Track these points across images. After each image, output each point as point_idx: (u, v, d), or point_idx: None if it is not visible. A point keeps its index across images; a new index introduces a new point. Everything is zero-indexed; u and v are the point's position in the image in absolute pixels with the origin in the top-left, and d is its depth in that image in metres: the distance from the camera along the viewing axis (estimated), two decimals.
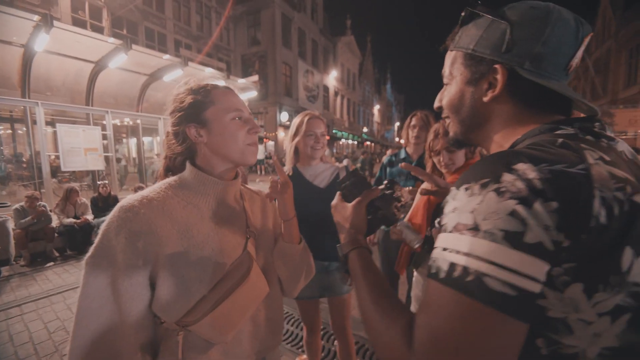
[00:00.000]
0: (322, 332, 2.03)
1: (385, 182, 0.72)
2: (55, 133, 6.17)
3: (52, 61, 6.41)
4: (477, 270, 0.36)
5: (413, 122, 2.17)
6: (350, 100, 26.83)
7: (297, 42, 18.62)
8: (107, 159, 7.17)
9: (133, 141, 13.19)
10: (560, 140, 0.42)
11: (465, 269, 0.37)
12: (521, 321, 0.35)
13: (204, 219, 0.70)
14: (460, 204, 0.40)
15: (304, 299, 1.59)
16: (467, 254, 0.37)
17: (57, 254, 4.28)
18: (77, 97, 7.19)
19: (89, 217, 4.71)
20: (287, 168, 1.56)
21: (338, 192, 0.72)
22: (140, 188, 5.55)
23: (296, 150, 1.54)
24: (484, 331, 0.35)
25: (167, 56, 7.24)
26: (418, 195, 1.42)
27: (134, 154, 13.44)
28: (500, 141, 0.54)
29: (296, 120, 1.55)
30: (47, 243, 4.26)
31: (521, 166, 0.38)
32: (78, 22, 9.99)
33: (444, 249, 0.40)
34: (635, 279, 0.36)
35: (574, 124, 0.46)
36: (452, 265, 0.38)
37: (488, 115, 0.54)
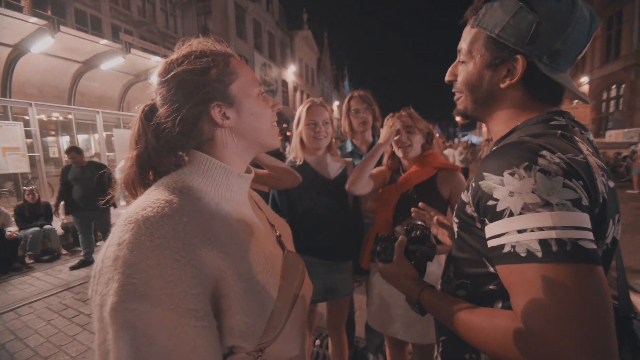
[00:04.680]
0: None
1: (406, 227, 0.80)
2: None
3: None
4: (570, 238, 0.40)
5: (353, 105, 1.81)
6: (310, 96, 26.80)
7: (253, 34, 17.90)
8: (32, 159, 6.16)
9: (65, 139, 11.59)
10: (558, 132, 0.50)
11: (560, 241, 0.40)
12: (602, 266, 0.41)
13: (240, 219, 0.57)
14: (515, 187, 0.44)
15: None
16: (552, 228, 0.40)
17: None
18: None
19: (12, 229, 4.00)
20: (295, 158, 1.48)
21: (377, 261, 0.78)
22: None
23: (302, 141, 1.47)
24: (594, 285, 0.39)
25: (104, 41, 6.42)
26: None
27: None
28: (502, 123, 0.61)
29: (298, 110, 1.48)
30: None
31: (546, 153, 0.44)
32: None
33: (521, 231, 0.42)
34: (606, 240, 0.49)
35: (564, 116, 0.55)
36: (545, 242, 0.41)
37: (500, 99, 0.59)
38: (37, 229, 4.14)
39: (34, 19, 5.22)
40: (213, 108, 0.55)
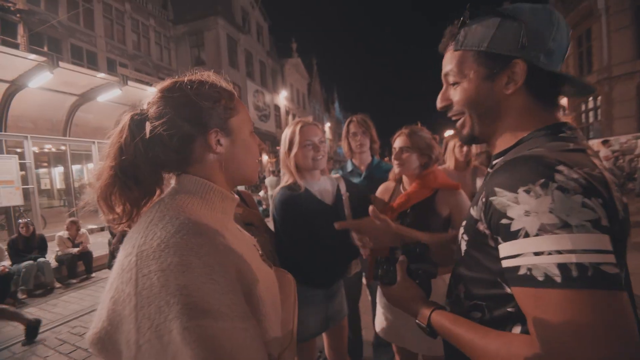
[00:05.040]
0: None
1: (403, 245, 0.77)
2: None
3: None
4: (591, 262, 0.38)
5: (352, 129, 1.97)
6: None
7: (245, 63, 18.56)
8: (26, 192, 6.10)
9: (57, 170, 11.52)
10: (570, 144, 0.49)
11: (581, 266, 0.38)
12: (625, 290, 0.39)
13: (238, 241, 0.59)
14: (531, 206, 0.42)
15: (309, 339, 1.32)
16: (572, 251, 0.38)
17: None
18: None
19: (5, 263, 3.89)
20: (293, 184, 1.35)
21: (381, 285, 0.75)
22: (74, 223, 4.81)
23: (297, 165, 1.34)
24: (618, 313, 0.38)
25: (101, 74, 6.62)
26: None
27: (58, 184, 11.70)
28: (509, 135, 0.59)
29: (287, 131, 1.35)
30: None
31: (563, 168, 0.42)
32: None
33: (537, 253, 0.40)
34: (625, 259, 0.46)
35: (569, 127, 0.54)
36: (564, 267, 0.39)
37: (505, 109, 0.58)
38: (31, 262, 4.03)
39: (33, 56, 5.38)
40: (211, 133, 0.57)
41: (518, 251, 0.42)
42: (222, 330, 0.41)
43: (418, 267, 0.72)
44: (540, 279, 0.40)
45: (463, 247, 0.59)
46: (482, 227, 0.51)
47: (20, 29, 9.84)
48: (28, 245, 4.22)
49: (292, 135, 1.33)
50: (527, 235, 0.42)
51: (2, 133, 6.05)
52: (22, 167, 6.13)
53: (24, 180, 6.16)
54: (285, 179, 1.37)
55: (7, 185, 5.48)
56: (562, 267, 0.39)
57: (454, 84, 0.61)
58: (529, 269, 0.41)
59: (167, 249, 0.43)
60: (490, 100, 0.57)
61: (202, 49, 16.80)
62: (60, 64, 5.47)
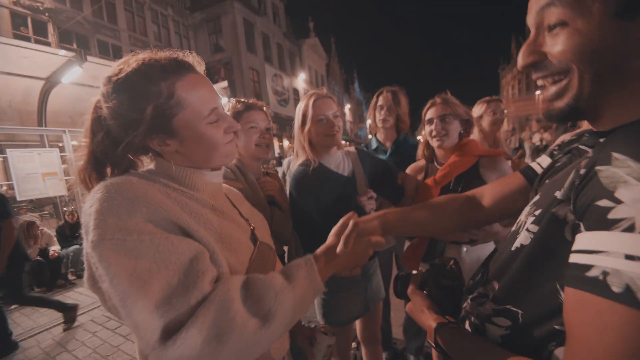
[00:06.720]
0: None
1: (430, 262, 0.71)
2: (5, 160, 5.53)
3: None
4: None
5: (380, 101, 1.85)
6: None
7: (262, 47, 18.38)
8: (69, 182, 6.56)
9: None
10: None
11: None
12: None
13: (207, 212, 0.59)
14: None
15: (350, 321, 1.30)
16: None
17: None
18: (27, 118, 6.54)
19: (56, 248, 4.25)
20: (307, 160, 1.29)
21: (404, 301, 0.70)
22: None
23: (310, 141, 1.27)
24: None
25: None
26: None
27: None
28: (635, 105, 0.39)
29: (300, 105, 1.26)
30: None
31: None
32: (21, 39, 9.15)
33: (630, 257, 0.28)
34: None
35: None
36: None
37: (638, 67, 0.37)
38: (77, 246, 4.37)
39: (63, 52, 5.62)
40: (152, 140, 0.57)
41: (602, 246, 0.30)
42: (130, 241, 0.45)
43: (438, 281, 0.64)
44: (617, 290, 0.28)
45: (522, 239, 0.45)
46: (562, 211, 0.38)
47: (50, 28, 10.30)
48: (74, 231, 4.57)
49: (305, 110, 1.24)
50: (630, 229, 0.28)
51: (43, 128, 6.48)
52: (64, 160, 6.58)
53: (66, 172, 6.62)
54: (303, 156, 1.30)
55: (52, 177, 5.91)
56: None
57: (556, 26, 0.40)
58: (605, 273, 0.29)
59: (97, 190, 0.50)
60: (619, 52, 0.37)
61: (220, 35, 16.78)
62: (88, 58, 5.67)
